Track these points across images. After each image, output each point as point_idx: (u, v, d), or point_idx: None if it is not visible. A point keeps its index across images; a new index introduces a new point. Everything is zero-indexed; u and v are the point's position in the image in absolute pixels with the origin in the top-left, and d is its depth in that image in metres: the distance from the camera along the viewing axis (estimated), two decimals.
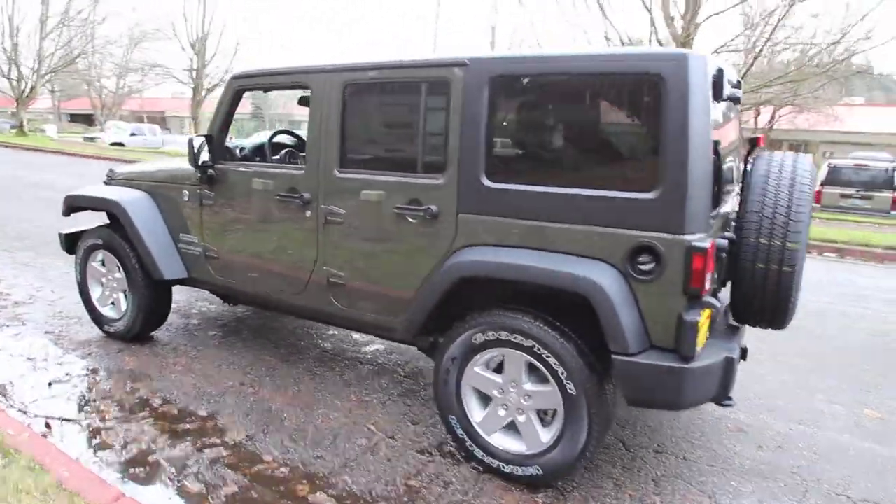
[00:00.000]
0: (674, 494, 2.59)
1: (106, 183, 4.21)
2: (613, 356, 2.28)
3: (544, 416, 2.59)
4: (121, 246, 3.82)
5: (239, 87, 3.34)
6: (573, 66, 2.38)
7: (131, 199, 3.76)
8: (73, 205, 4.07)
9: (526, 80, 2.49)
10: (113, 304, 4.07)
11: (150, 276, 3.82)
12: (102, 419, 3.03)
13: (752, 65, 11.22)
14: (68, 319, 4.42)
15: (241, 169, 3.37)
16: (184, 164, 3.75)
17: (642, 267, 2.27)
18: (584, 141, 2.45)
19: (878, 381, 3.94)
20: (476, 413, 2.71)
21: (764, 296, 2.44)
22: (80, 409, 3.11)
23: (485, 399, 2.71)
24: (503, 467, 2.62)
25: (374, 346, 4.16)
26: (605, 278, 2.27)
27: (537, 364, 2.48)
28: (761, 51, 11.08)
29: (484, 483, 2.63)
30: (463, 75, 2.57)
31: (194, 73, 22.25)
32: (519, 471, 2.58)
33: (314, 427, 3.04)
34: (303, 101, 3.75)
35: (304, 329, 4.44)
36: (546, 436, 2.54)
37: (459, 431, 2.72)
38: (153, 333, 4.13)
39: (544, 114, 2.54)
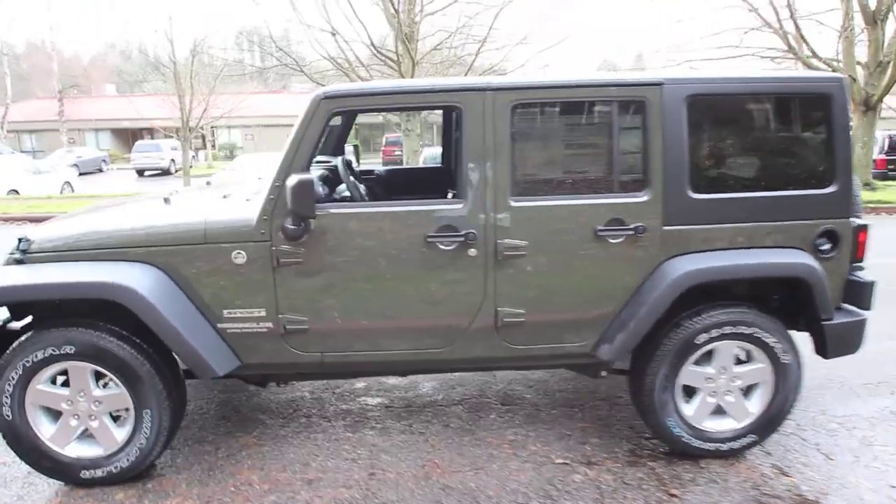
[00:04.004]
0: (803, 419, 3.29)
1: (19, 260, 2.72)
2: (824, 322, 2.80)
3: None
4: (119, 348, 2.61)
5: (332, 109, 2.62)
6: (759, 87, 2.74)
7: (137, 278, 2.58)
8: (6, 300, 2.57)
9: (718, 99, 2.74)
10: (88, 435, 2.74)
11: (178, 378, 2.76)
12: None
13: (474, 60, 12.86)
14: None
15: (359, 210, 2.68)
16: (208, 214, 2.74)
17: (823, 248, 2.81)
18: (773, 150, 2.83)
19: None
20: (685, 408, 2.90)
21: None
22: None
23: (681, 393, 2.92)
24: (721, 447, 2.90)
25: (425, 386, 3.77)
26: (811, 262, 2.75)
27: (750, 347, 2.82)
28: (480, 48, 12.77)
29: (709, 465, 2.87)
30: (660, 95, 2.66)
31: None
32: (737, 444, 2.90)
33: (517, 483, 2.75)
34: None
35: (318, 392, 3.70)
36: (754, 407, 2.91)
37: (677, 431, 2.87)
38: None
39: (737, 128, 2.82)
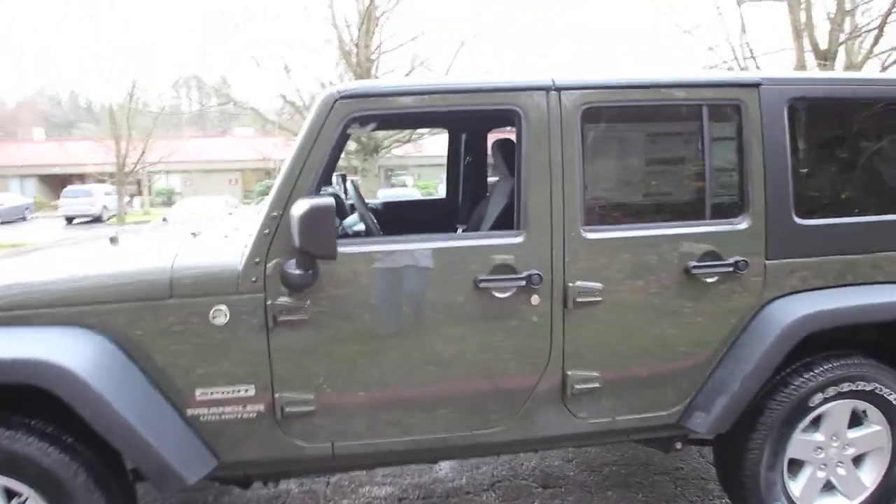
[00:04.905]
0: None
1: None
2: None
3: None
4: (43, 453, 1.81)
5: (350, 114, 1.96)
6: (877, 90, 2.29)
7: (71, 351, 1.81)
8: None
9: (828, 104, 2.27)
10: None
11: (126, 487, 1.98)
12: None
13: None
14: None
15: (387, 248, 2.00)
16: (175, 258, 2.00)
17: None
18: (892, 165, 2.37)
19: None
20: (793, 487, 2.32)
21: None
22: None
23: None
24: None
25: (441, 466, 3.04)
26: None
27: (867, 406, 2.29)
28: None
29: None
30: (757, 97, 2.15)
31: None
32: None
33: None
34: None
35: (308, 483, 2.92)
36: (868, 478, 2.36)
37: None
38: None
39: (850, 139, 2.35)
